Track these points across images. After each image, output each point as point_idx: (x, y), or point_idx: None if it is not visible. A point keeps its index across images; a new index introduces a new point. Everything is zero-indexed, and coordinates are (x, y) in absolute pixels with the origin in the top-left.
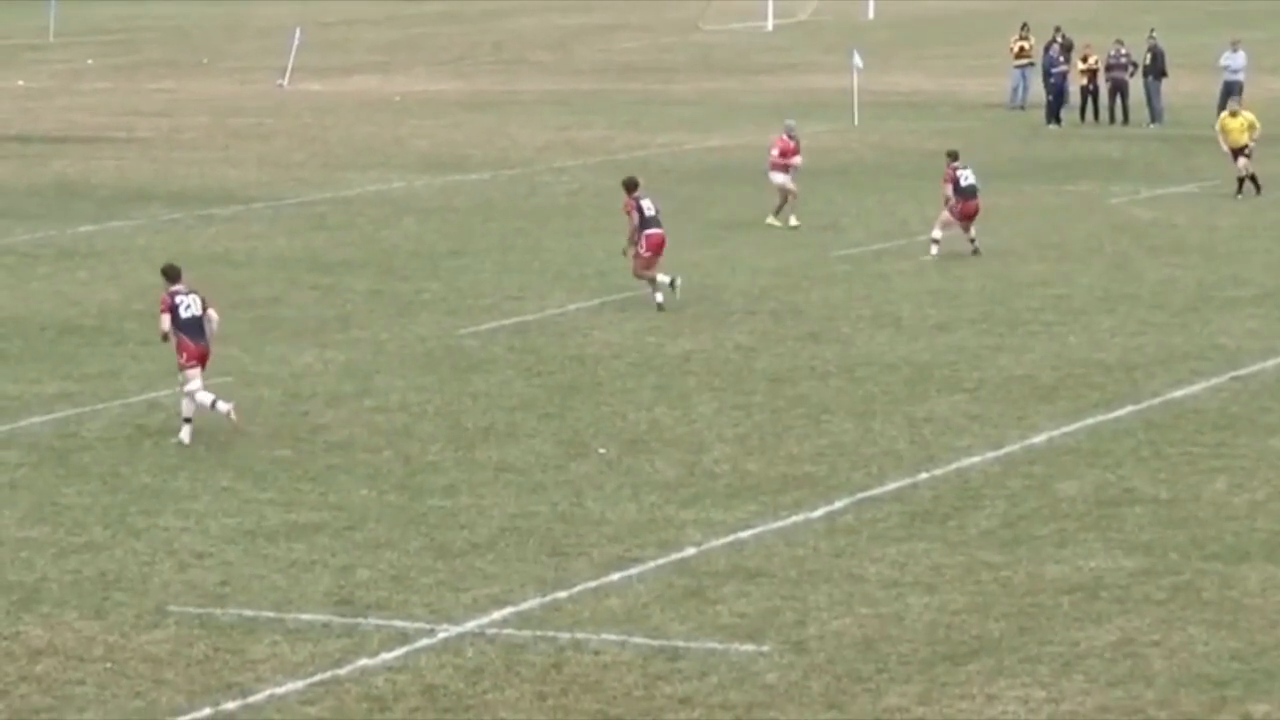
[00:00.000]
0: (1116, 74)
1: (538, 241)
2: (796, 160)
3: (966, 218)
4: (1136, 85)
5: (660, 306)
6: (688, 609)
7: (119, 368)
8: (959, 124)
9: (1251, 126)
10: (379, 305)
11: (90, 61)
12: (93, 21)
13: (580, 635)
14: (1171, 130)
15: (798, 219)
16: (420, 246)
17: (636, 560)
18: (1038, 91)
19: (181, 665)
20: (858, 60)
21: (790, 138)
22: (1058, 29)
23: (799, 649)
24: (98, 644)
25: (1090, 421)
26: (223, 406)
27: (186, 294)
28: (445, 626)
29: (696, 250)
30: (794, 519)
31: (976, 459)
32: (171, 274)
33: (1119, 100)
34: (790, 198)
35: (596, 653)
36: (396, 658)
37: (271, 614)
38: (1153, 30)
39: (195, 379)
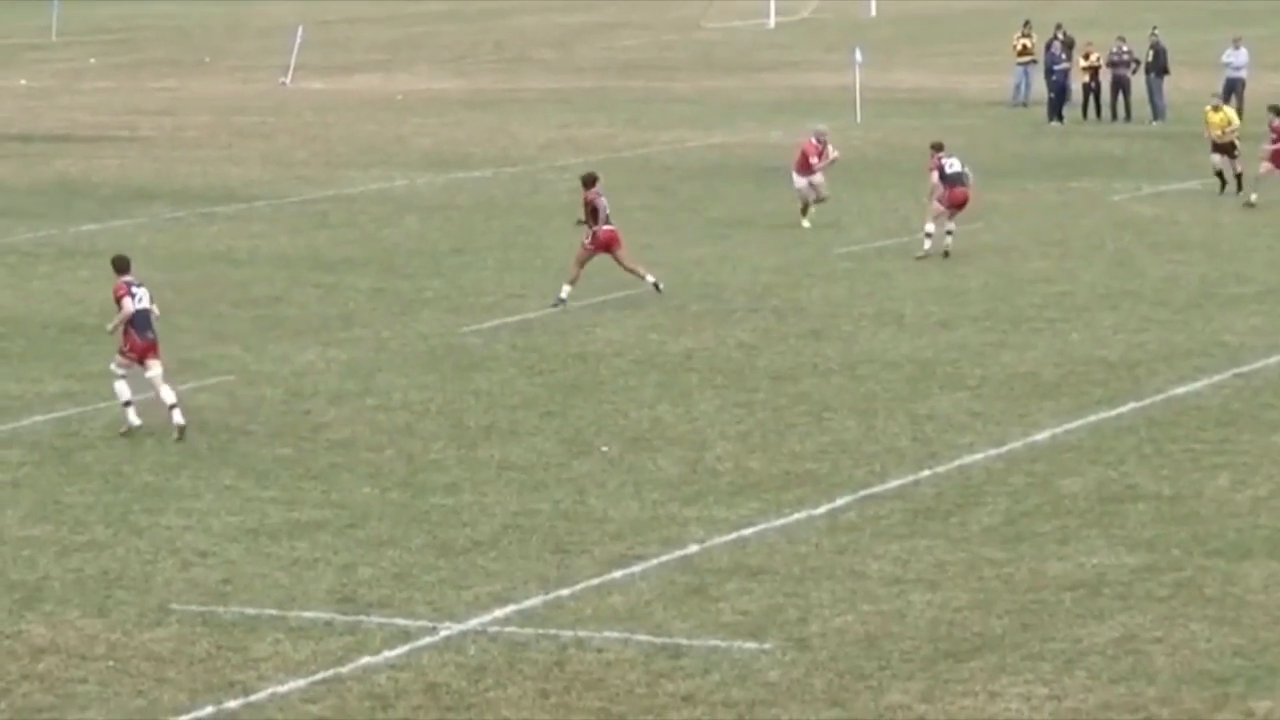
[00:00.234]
0: (1119, 71)
1: (540, 239)
2: (818, 163)
3: (955, 206)
4: (1138, 82)
5: (560, 302)
6: (690, 606)
7: None
8: (961, 121)
9: (1229, 123)
10: (381, 303)
11: (92, 60)
12: (95, 21)
13: (583, 633)
14: (1173, 127)
15: (809, 222)
16: (422, 244)
17: (639, 558)
18: (1040, 89)
19: (184, 663)
20: (859, 57)
21: (819, 143)
22: (1058, 26)
23: (801, 646)
24: (100, 642)
25: (1093, 418)
26: (133, 419)
27: (138, 285)
28: (448, 624)
29: (698, 247)
30: (796, 516)
31: (979, 456)
32: (121, 265)
33: (1121, 97)
34: (812, 200)
35: (599, 650)
36: (399, 656)
37: (274, 612)
38: (1155, 27)
39: (124, 372)
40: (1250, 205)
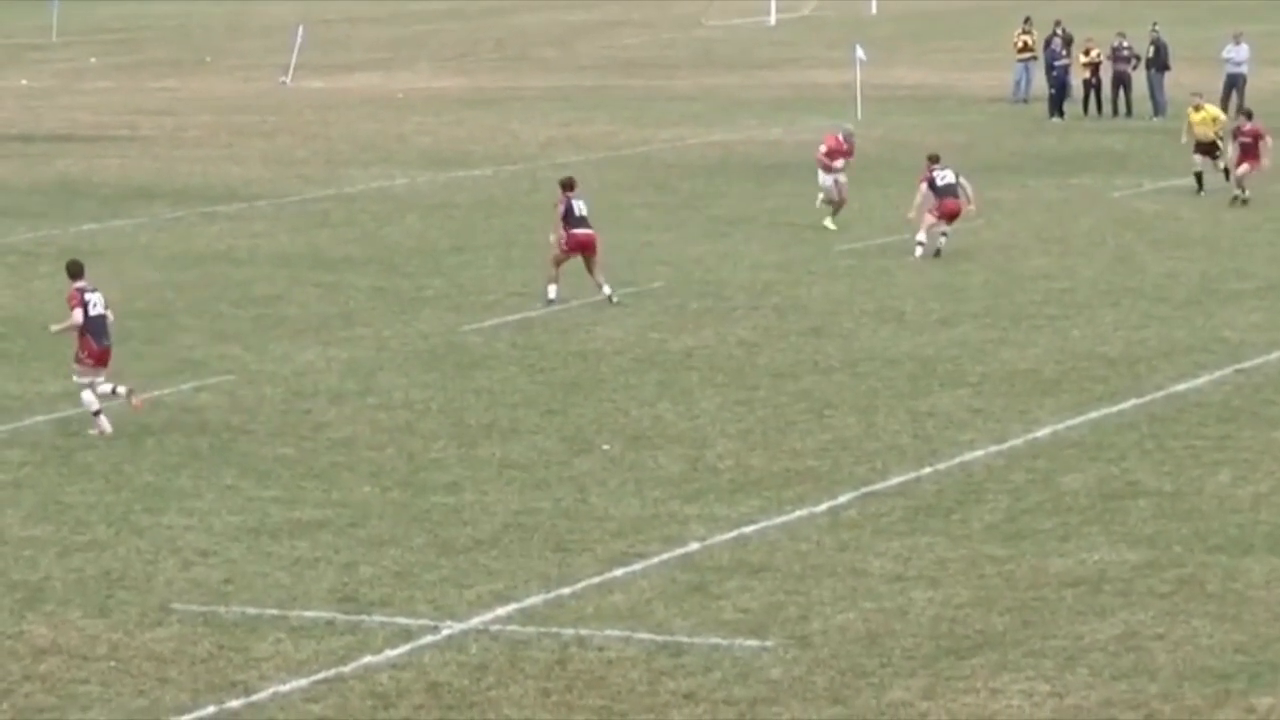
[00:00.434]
0: (1119, 67)
1: (540, 238)
2: (839, 163)
3: (945, 216)
4: (1139, 78)
5: (550, 302)
6: (691, 604)
7: (121, 366)
8: (962, 118)
9: (1215, 120)
10: (382, 302)
11: (93, 60)
12: (95, 20)
13: (584, 631)
14: (1174, 123)
15: (834, 223)
16: (423, 243)
17: (640, 556)
18: (1040, 85)
19: (185, 663)
20: (861, 54)
21: (845, 140)
22: (1057, 23)
23: (803, 644)
24: (102, 642)
25: (1093, 415)
26: (104, 424)
27: (92, 291)
28: (449, 623)
29: (699, 245)
30: (797, 514)
31: (979, 453)
32: (74, 270)
33: (1122, 93)
34: (837, 200)
35: (600, 649)
36: (400, 655)
37: (275, 611)
38: (1155, 23)
39: (89, 376)
40: (1245, 202)
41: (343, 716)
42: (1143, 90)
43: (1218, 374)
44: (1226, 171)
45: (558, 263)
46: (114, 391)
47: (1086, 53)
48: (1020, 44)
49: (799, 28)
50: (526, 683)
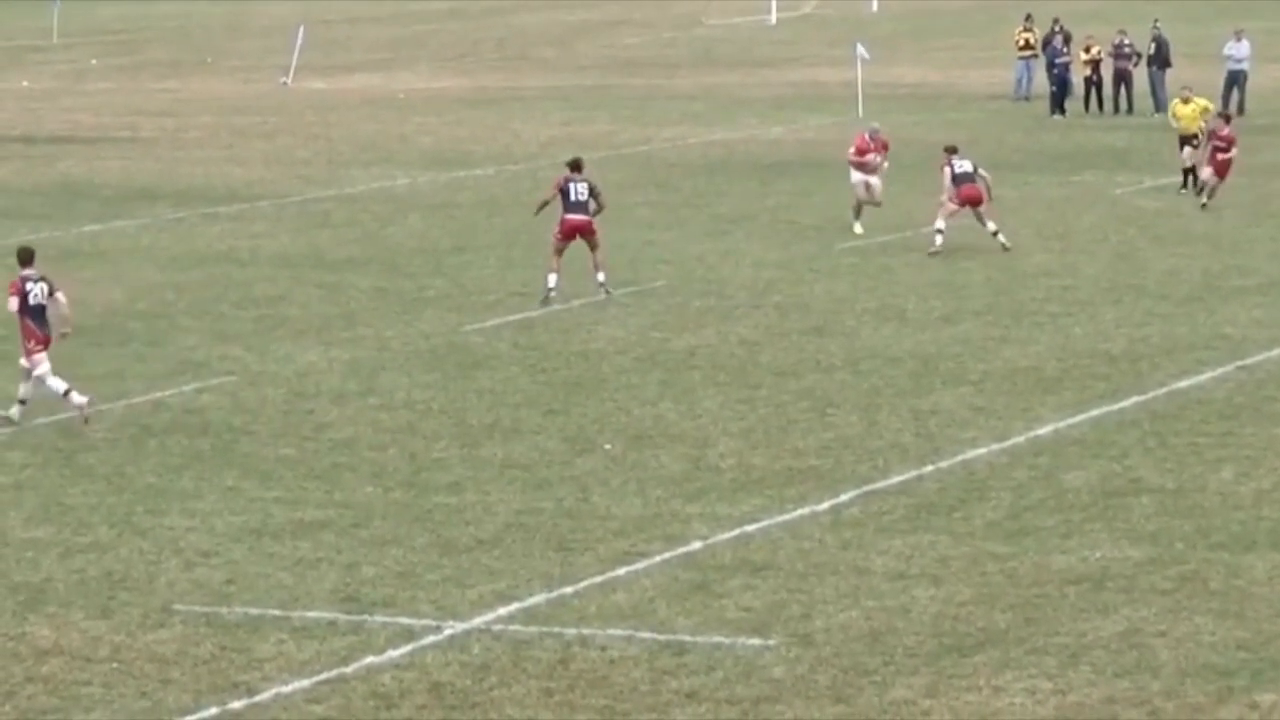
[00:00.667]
0: (1121, 64)
1: (542, 237)
2: (871, 159)
3: (966, 202)
4: (1140, 75)
5: (549, 292)
6: (694, 603)
7: (123, 368)
8: (963, 116)
9: (1205, 111)
10: (383, 302)
11: (94, 62)
12: (96, 22)
13: (586, 631)
14: None
15: (862, 228)
16: (424, 243)
17: (642, 555)
18: (1041, 83)
19: (188, 664)
20: (863, 52)
21: (872, 138)
22: (1056, 20)
23: (805, 642)
24: (104, 644)
25: (1095, 412)
26: (77, 399)
27: (36, 280)
28: (451, 623)
29: (700, 244)
30: (799, 512)
31: (982, 451)
32: (24, 257)
33: (1123, 90)
34: (865, 200)
35: (603, 648)
36: (403, 655)
37: (278, 612)
38: (1156, 20)
39: (44, 363)
40: (1204, 207)
41: (345, 717)
42: (1144, 87)
43: (1220, 371)
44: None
45: (557, 251)
46: (66, 395)
47: (1087, 50)
48: (1021, 41)
49: (800, 26)
50: (529, 682)
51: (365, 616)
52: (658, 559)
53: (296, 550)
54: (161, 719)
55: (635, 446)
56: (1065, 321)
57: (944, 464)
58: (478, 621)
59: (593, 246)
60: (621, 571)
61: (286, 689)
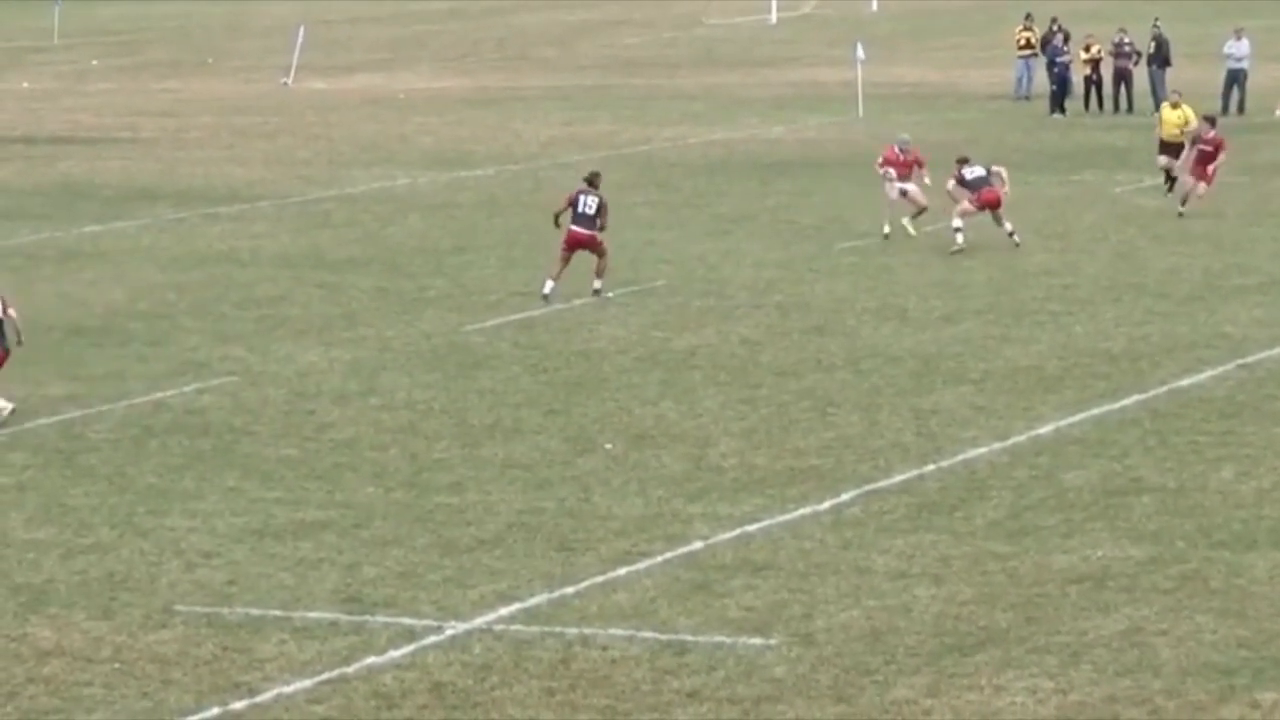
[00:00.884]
0: (1121, 63)
1: (543, 237)
2: (894, 171)
3: (986, 205)
4: (1141, 74)
5: (545, 296)
6: (695, 603)
7: (124, 368)
8: (963, 115)
9: (1186, 122)
10: (384, 303)
11: (94, 62)
12: (96, 22)
13: (588, 630)
14: None
15: (914, 228)
16: (425, 243)
17: (644, 555)
18: (1042, 82)
19: (189, 665)
20: (860, 52)
21: (901, 150)
22: (1054, 20)
23: (807, 642)
24: (105, 644)
25: (1096, 411)
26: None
27: None
28: (453, 623)
29: (701, 244)
30: (801, 512)
31: (983, 450)
32: None
33: (1123, 89)
34: (903, 206)
35: (604, 648)
36: (404, 655)
37: (279, 613)
38: (1157, 19)
39: None
40: (1180, 215)
41: (346, 717)
42: (1144, 86)
43: (1220, 369)
44: (1170, 173)
45: (562, 260)
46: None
47: (1087, 49)
48: (1021, 41)
49: (800, 26)
50: (530, 682)
51: (367, 617)
52: (659, 559)
53: (298, 551)
54: (163, 719)
55: (636, 446)
56: (1066, 320)
57: (945, 463)
58: (479, 621)
59: (598, 255)
60: (623, 571)
61: (288, 689)
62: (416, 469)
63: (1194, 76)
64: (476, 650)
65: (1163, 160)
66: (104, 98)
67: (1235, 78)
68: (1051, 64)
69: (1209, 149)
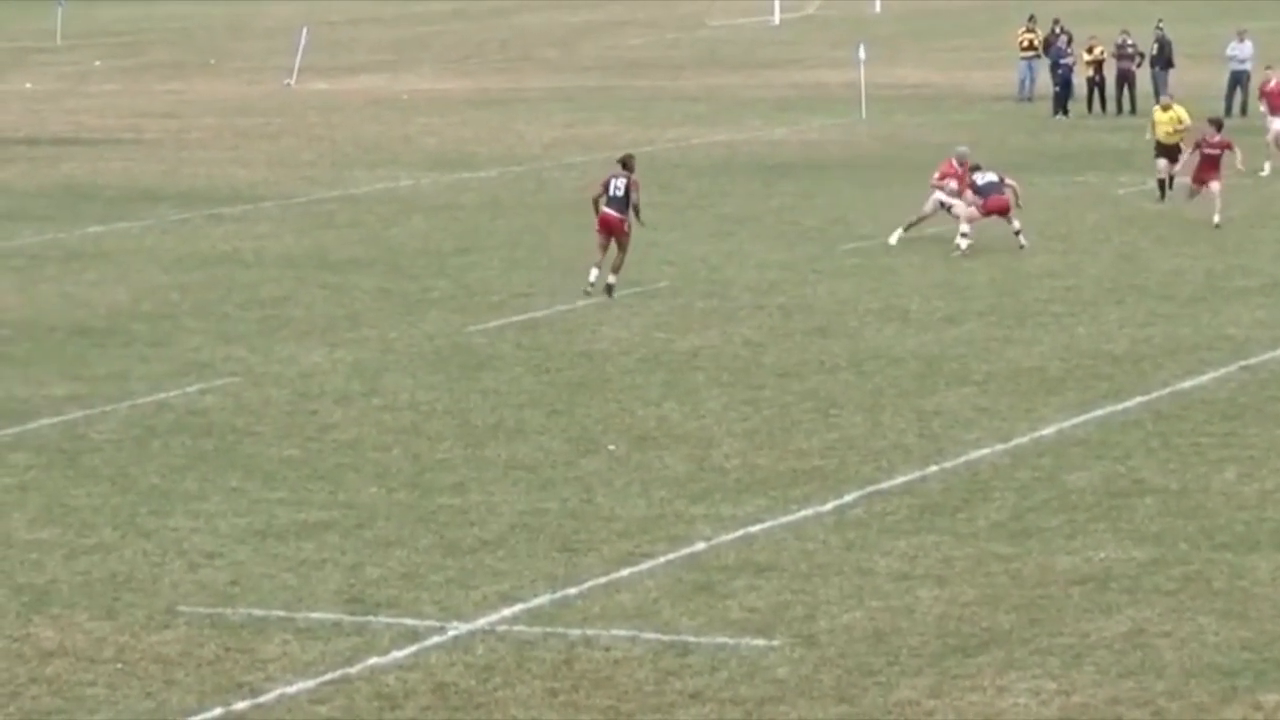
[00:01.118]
0: (1124, 65)
1: (545, 238)
2: (954, 184)
3: (993, 211)
4: (1143, 76)
5: (587, 291)
6: (698, 604)
7: (127, 369)
8: (966, 117)
9: (1179, 121)
10: (387, 303)
11: (97, 63)
12: (99, 24)
13: (591, 631)
14: None
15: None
16: (428, 244)
17: (646, 556)
18: (1044, 83)
19: (192, 665)
20: (862, 54)
21: (960, 163)
22: (1056, 21)
23: (809, 643)
24: (108, 645)
25: (1099, 413)
26: None
27: None
28: (455, 624)
29: (704, 245)
30: (803, 513)
31: (985, 451)
32: None
33: (1126, 91)
34: (939, 214)
35: (607, 649)
36: (407, 656)
37: (282, 613)
38: (1160, 20)
39: None
40: (1218, 225)
41: (349, 718)
42: (1147, 88)
43: (1223, 371)
44: (1166, 182)
45: (600, 246)
46: None
47: (1090, 50)
48: (1024, 42)
49: (803, 27)
50: (533, 683)
51: (369, 617)
52: (662, 560)
53: (300, 551)
54: (166, 719)
55: (639, 447)
56: (1068, 322)
57: (948, 464)
58: (482, 622)
59: (620, 247)
60: (625, 572)
61: (291, 690)
62: (419, 470)
63: (1197, 78)
64: (479, 651)
65: (1162, 164)
66: (107, 99)
67: (1238, 79)
68: (1055, 66)
69: (1215, 153)
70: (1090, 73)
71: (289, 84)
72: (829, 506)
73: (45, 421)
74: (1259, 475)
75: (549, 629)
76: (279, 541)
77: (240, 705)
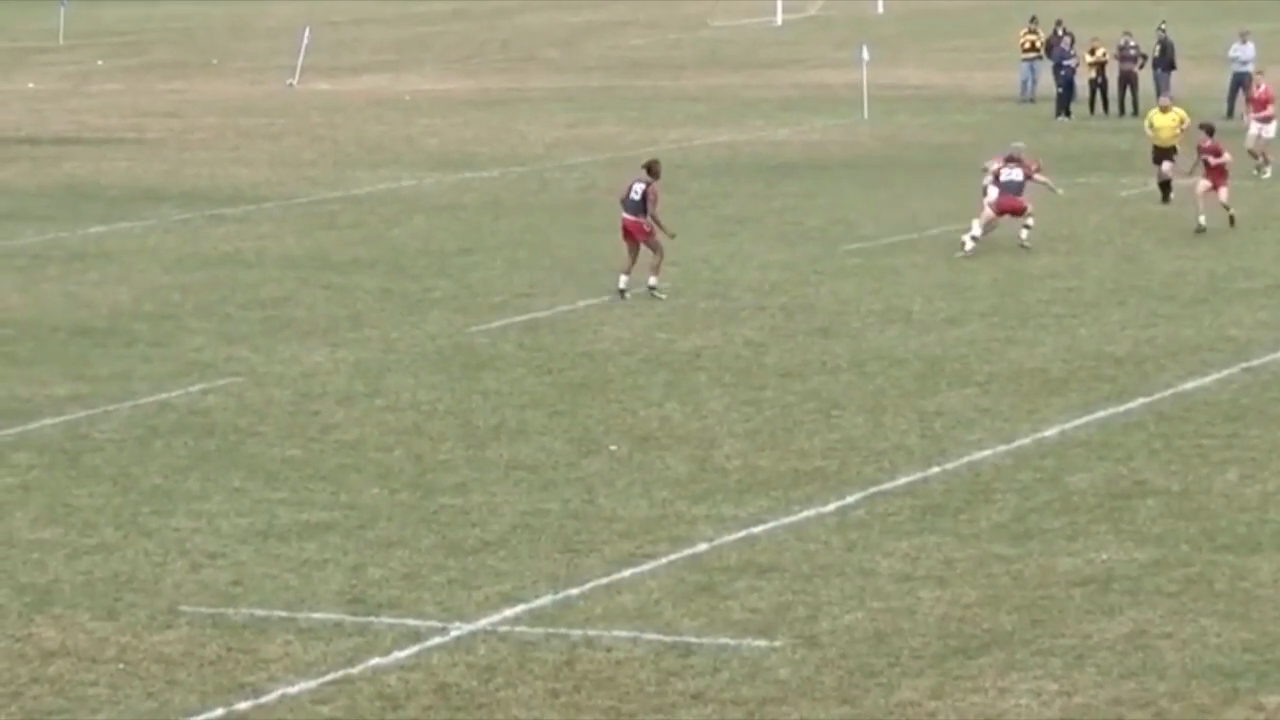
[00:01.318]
0: (1126, 66)
1: (547, 238)
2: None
3: (1004, 212)
4: (1145, 77)
5: (622, 293)
6: (700, 605)
7: (129, 369)
8: (969, 118)
9: (1181, 122)
10: (389, 304)
11: (100, 63)
12: (102, 23)
13: (592, 632)
14: None
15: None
16: (430, 244)
17: (648, 556)
18: (1046, 85)
19: (194, 665)
20: (864, 54)
21: (1011, 160)
22: (1059, 22)
23: (811, 644)
24: (110, 645)
25: (1101, 414)
26: None
27: None
28: (457, 624)
29: (706, 245)
30: (805, 514)
31: (987, 452)
32: None
33: (1128, 92)
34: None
35: (609, 649)
36: (409, 656)
37: (283, 613)
38: (1162, 22)
39: None
40: (1232, 222)
41: (351, 718)
42: (1149, 89)
43: (1225, 372)
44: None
45: (629, 252)
46: None
47: (1092, 52)
48: (1026, 44)
49: (805, 28)
50: (535, 683)
51: (371, 618)
52: (663, 560)
53: (302, 551)
54: (168, 719)
55: (641, 448)
56: (1070, 323)
57: (949, 466)
58: (483, 623)
59: (650, 249)
60: (627, 573)
61: (292, 690)
62: (421, 470)
63: (1199, 79)
64: (481, 651)
65: (1165, 169)
66: (109, 98)
67: (1240, 81)
68: (1057, 67)
69: (1214, 157)
70: (1092, 74)
71: (291, 84)
72: (831, 507)
73: (47, 421)
74: (1261, 477)
75: (551, 629)
76: (281, 542)
77: (242, 705)
